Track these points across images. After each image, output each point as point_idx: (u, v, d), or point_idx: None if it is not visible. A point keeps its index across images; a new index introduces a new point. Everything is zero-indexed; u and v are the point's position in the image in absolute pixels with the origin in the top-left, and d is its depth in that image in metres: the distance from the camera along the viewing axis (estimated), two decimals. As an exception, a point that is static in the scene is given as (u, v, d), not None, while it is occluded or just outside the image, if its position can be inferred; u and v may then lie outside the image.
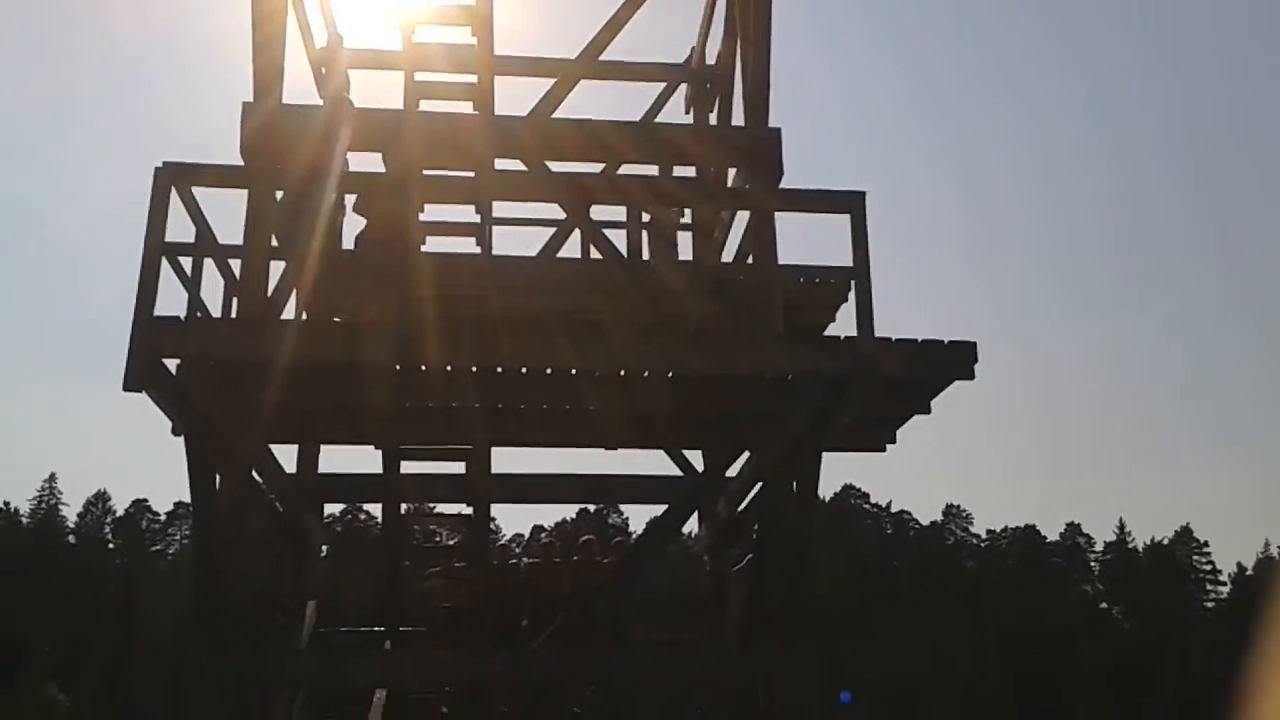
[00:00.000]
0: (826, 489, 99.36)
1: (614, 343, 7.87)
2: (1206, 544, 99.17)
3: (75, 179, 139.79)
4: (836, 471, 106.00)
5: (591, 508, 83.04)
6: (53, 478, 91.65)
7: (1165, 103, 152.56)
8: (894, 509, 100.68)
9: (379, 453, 9.61)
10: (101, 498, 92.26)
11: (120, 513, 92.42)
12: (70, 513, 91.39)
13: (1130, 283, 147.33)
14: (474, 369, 7.81)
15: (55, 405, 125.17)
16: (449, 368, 7.75)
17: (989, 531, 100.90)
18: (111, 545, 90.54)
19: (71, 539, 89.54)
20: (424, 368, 7.70)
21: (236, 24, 9.92)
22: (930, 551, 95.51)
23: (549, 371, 7.92)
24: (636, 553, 9.86)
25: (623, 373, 7.91)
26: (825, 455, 9.60)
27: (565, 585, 10.07)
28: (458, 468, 9.71)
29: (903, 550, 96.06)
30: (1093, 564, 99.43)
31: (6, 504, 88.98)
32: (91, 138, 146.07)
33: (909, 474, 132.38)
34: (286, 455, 11.09)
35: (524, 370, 7.90)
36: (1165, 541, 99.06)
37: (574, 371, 7.88)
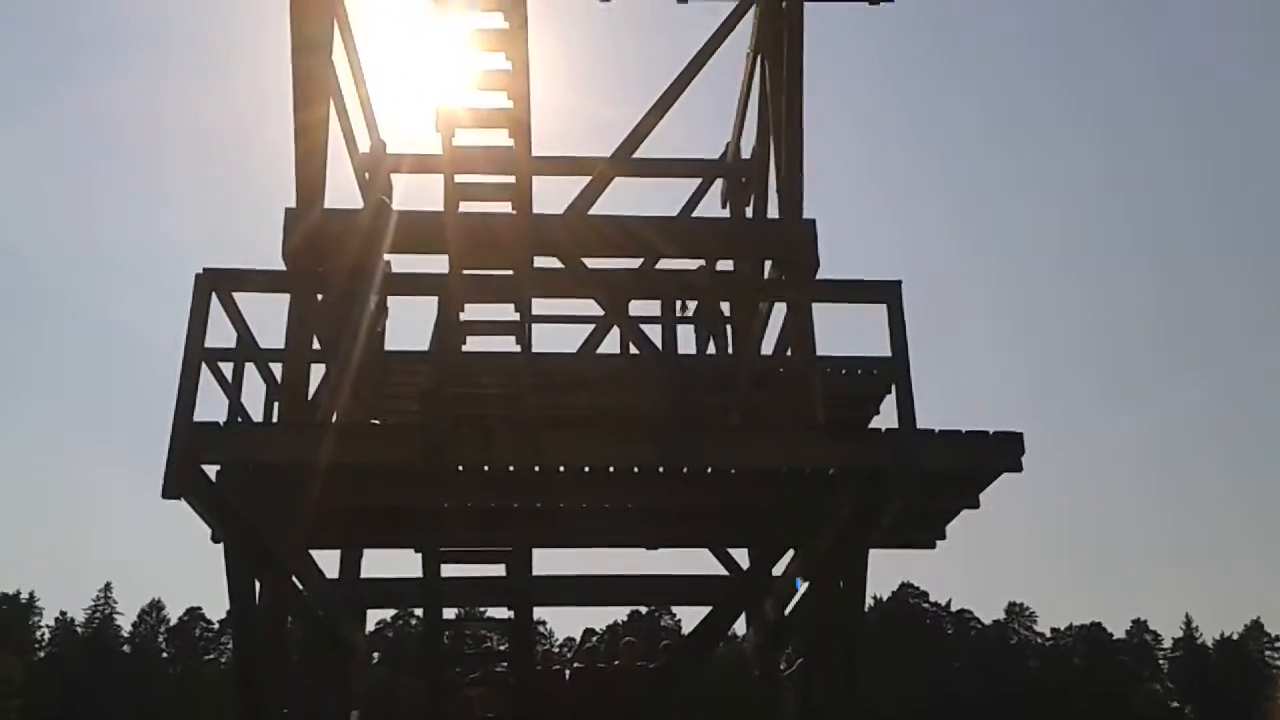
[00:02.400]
0: (883, 588, 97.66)
1: (654, 439, 7.74)
2: (1279, 638, 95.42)
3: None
4: (893, 569, 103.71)
5: (644, 609, 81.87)
6: (108, 587, 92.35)
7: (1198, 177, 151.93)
8: (954, 607, 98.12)
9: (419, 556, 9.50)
10: (156, 606, 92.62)
11: (174, 621, 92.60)
12: (125, 621, 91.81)
13: (1175, 368, 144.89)
14: (510, 468, 7.73)
15: (116, 511, 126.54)
16: (486, 468, 7.68)
17: (1053, 630, 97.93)
18: (165, 654, 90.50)
19: (126, 648, 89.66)
20: (460, 468, 7.63)
21: (283, 134, 10.18)
22: (993, 651, 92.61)
23: (586, 470, 7.81)
24: (680, 657, 9.59)
25: (661, 469, 7.77)
26: (876, 552, 9.37)
27: (608, 691, 9.79)
28: (499, 570, 9.57)
29: (965, 650, 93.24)
30: (1161, 661, 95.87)
31: (63, 614, 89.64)
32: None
33: (968, 571, 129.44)
34: (329, 561, 11.06)
35: (561, 469, 7.80)
36: (1235, 636, 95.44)
37: (611, 469, 7.76)
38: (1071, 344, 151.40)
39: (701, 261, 11.75)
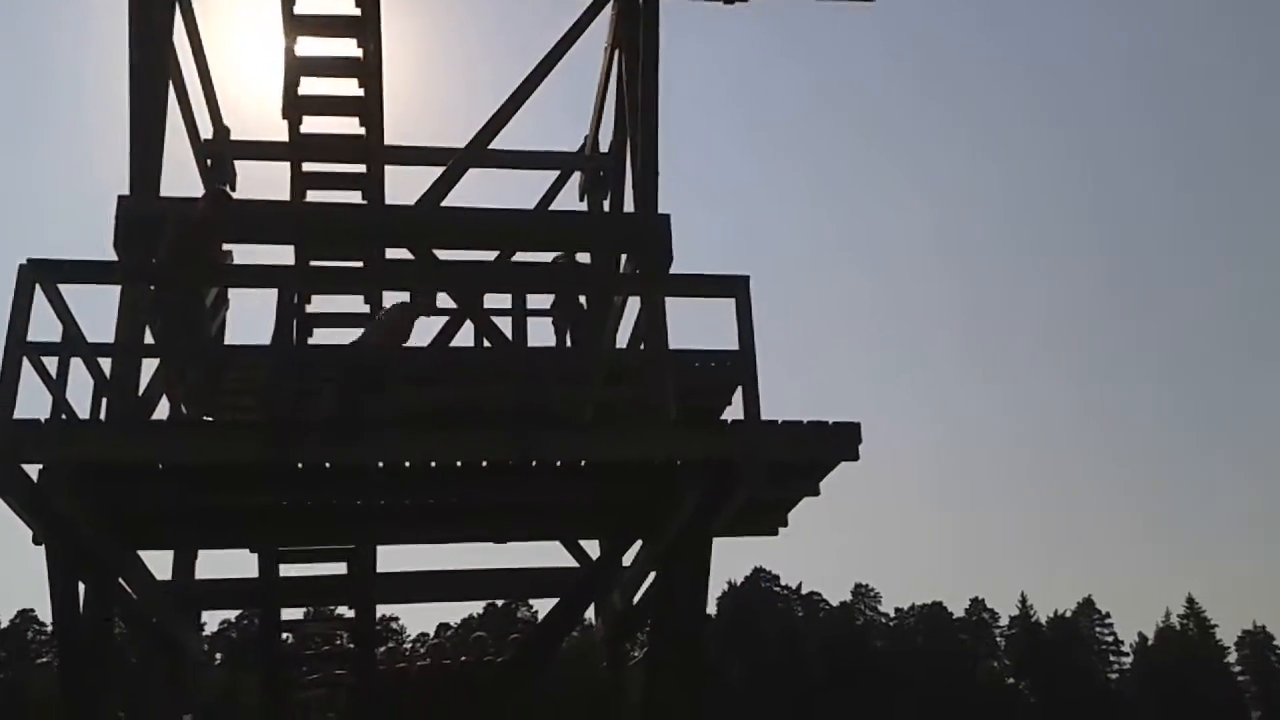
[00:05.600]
0: (737, 573, 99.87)
1: (503, 433, 7.69)
2: (1108, 615, 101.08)
3: None
4: (748, 554, 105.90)
5: (499, 603, 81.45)
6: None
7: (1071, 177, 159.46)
8: (804, 590, 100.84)
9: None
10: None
11: (5, 624, 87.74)
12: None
13: (1025, 354, 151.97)
14: (353, 465, 7.57)
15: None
16: (326, 465, 7.50)
17: (897, 610, 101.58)
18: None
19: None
20: (299, 465, 7.44)
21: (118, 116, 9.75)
22: (840, 632, 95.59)
23: (432, 465, 7.72)
24: (528, 650, 9.58)
25: (510, 463, 7.73)
26: (733, 539, 9.56)
27: (454, 688, 9.71)
28: (340, 568, 9.39)
29: (813, 632, 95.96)
30: (999, 639, 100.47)
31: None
32: None
33: (821, 555, 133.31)
34: (162, 561, 10.66)
35: (406, 465, 7.68)
36: (1068, 614, 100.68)
37: (459, 464, 7.69)
38: (920, 333, 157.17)
39: (560, 254, 11.73)
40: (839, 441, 8.15)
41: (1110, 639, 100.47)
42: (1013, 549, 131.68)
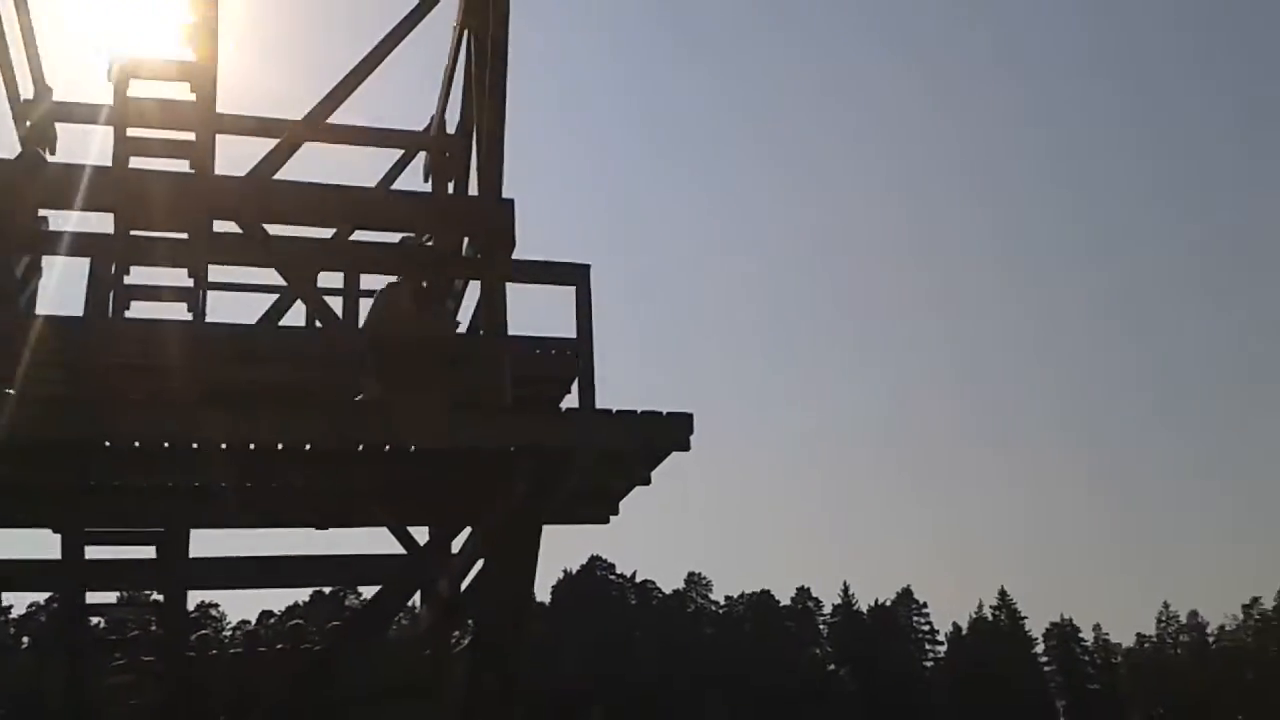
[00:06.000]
0: (573, 562, 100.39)
1: (327, 415, 7.49)
2: (925, 605, 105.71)
3: None
4: (584, 543, 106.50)
5: (327, 590, 79.66)
6: None
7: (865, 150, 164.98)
8: (639, 579, 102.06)
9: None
10: None
11: None
12: None
13: (846, 349, 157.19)
14: (166, 444, 7.25)
15: None
16: (137, 444, 7.17)
17: (727, 598, 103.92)
18: None
19: None
20: (108, 444, 7.09)
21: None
22: (672, 620, 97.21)
23: (251, 447, 7.46)
24: (346, 638, 9.38)
25: (335, 447, 7.55)
26: (569, 527, 9.56)
27: (267, 675, 9.43)
28: (150, 551, 9.00)
29: (646, 619, 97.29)
30: (821, 626, 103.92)
31: None
32: None
33: (658, 544, 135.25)
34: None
35: (224, 446, 7.41)
36: (888, 603, 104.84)
37: (280, 446, 7.46)
38: (757, 328, 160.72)
39: (410, 235, 11.51)
40: (671, 431, 8.26)
41: (927, 628, 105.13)
42: (838, 541, 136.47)
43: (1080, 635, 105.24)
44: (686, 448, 8.34)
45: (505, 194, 10.93)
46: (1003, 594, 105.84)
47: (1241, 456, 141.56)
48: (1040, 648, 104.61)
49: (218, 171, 10.47)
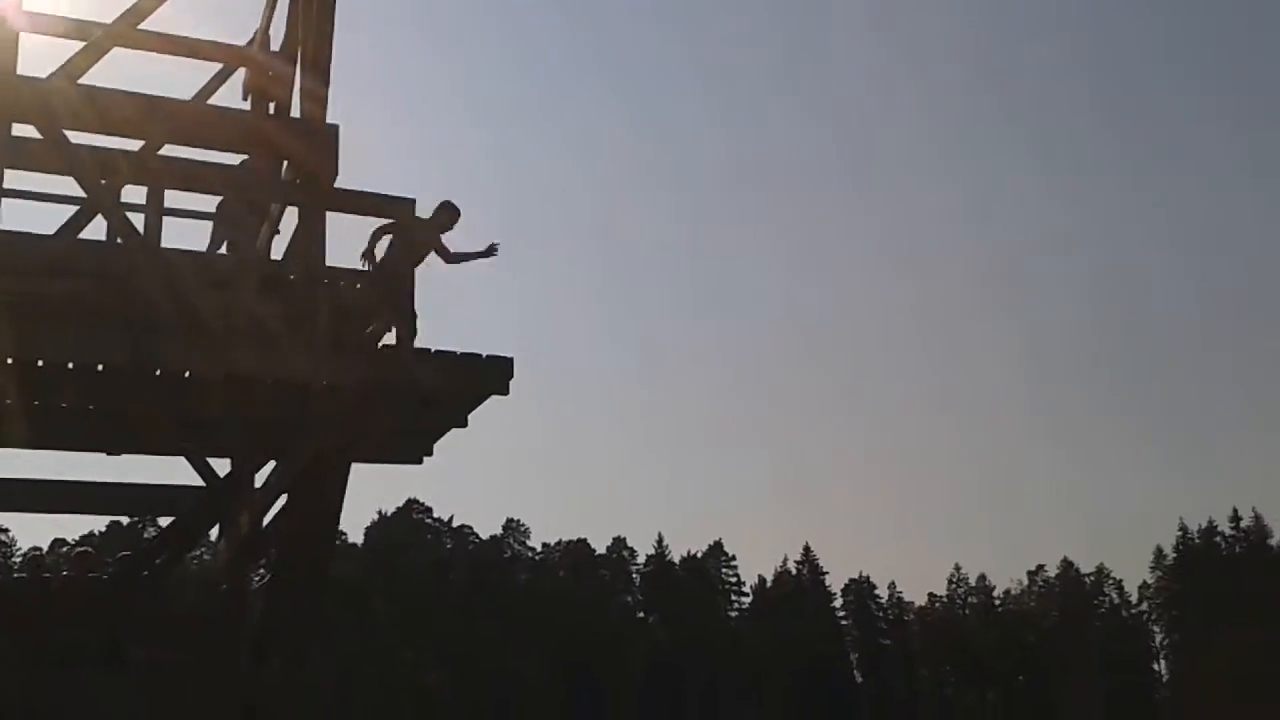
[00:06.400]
0: (390, 503, 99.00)
1: (125, 336, 7.10)
2: (734, 558, 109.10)
3: None
4: (401, 485, 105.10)
5: (125, 520, 76.09)
6: None
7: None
8: (456, 523, 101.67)
9: None
10: None
11: None
12: None
13: (681, 302, 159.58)
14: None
15: None
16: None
17: (544, 545, 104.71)
18: None
19: None
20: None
21: None
22: (488, 564, 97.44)
23: (40, 364, 7.03)
24: (135, 569, 9.02)
25: (128, 369, 7.19)
26: (385, 467, 9.38)
27: (49, 605, 8.98)
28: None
29: (461, 563, 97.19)
30: (634, 575, 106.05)
31: None
32: None
33: (477, 489, 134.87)
34: None
35: (9, 361, 6.95)
36: (699, 555, 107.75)
37: (70, 366, 7.05)
38: (580, 276, 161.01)
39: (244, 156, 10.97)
40: (490, 374, 8.20)
41: (734, 580, 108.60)
42: (654, 491, 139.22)
43: (876, 593, 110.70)
44: (505, 392, 8.29)
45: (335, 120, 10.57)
46: (806, 550, 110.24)
47: (1015, 440, 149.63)
48: (838, 602, 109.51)
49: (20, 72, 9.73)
